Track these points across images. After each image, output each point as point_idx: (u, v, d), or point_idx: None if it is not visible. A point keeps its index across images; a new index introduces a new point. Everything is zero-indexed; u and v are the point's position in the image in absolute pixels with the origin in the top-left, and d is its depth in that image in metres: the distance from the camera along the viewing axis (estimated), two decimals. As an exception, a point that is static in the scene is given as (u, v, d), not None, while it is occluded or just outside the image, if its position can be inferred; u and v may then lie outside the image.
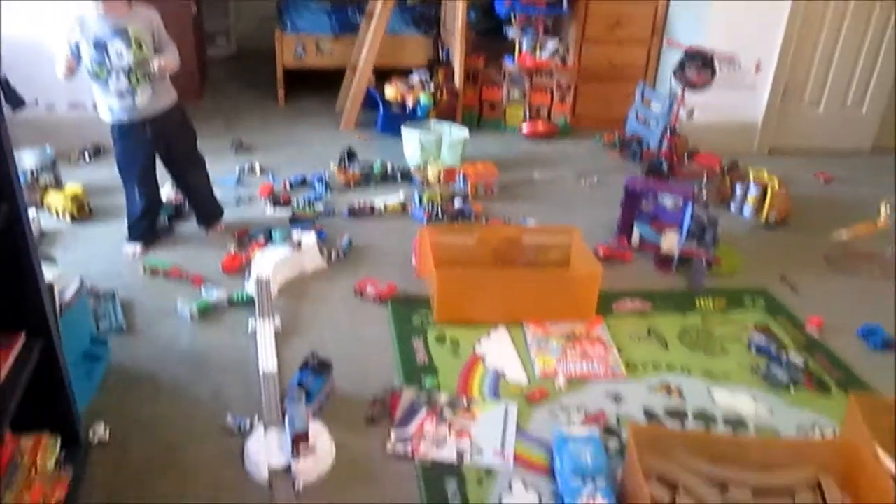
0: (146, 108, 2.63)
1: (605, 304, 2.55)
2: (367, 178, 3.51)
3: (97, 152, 3.70)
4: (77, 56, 2.52)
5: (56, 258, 2.65)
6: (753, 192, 3.43)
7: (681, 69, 3.60)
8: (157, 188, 2.84)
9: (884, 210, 3.10)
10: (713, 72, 3.57)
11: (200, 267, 2.70)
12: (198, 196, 2.96)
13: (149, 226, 2.86)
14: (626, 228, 3.05)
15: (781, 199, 3.37)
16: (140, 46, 2.53)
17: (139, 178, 2.77)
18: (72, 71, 2.53)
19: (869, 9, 4.09)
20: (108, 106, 2.62)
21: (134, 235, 2.84)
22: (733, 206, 3.50)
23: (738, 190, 3.49)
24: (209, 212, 2.98)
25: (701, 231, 2.93)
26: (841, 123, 4.40)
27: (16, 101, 3.56)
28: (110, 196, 3.23)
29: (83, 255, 2.79)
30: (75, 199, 3.06)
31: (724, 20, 3.95)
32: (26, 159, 3.15)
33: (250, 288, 2.52)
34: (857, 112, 4.39)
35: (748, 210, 3.45)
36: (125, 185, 2.80)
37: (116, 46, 2.50)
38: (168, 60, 2.60)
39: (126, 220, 2.85)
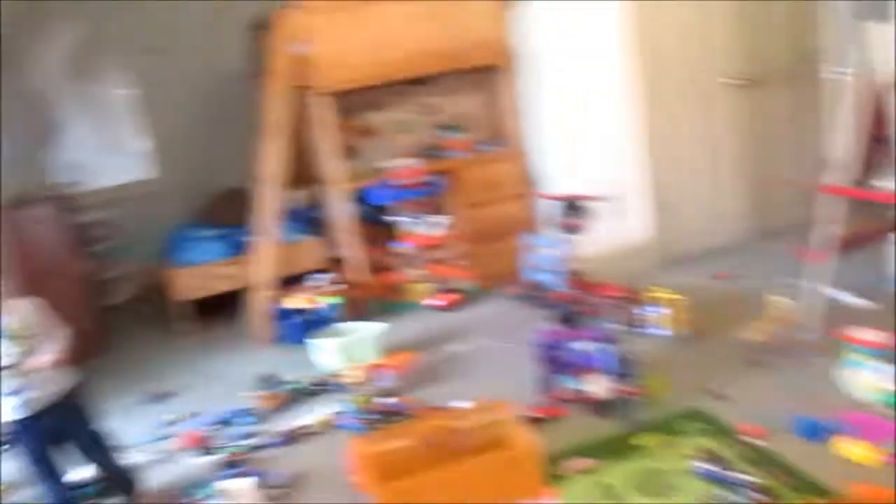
0: (43, 399, 2.59)
1: (553, 469, 2.55)
2: (293, 397, 3.47)
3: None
4: None
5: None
6: (659, 312, 3.58)
7: (560, 218, 3.83)
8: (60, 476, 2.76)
9: (776, 302, 3.28)
10: (589, 214, 3.81)
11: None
12: (107, 473, 2.85)
13: None
14: (551, 383, 3.10)
15: (687, 311, 3.52)
16: (23, 340, 2.54)
17: (55, 473, 2.69)
18: None
19: (702, 108, 4.50)
20: (6, 405, 2.57)
21: None
22: (643, 330, 3.63)
23: (645, 313, 3.63)
24: (122, 485, 2.85)
25: (623, 367, 3.01)
26: (717, 219, 4.70)
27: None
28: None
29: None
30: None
31: (582, 163, 4.28)
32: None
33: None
34: (730, 204, 4.71)
35: (660, 330, 3.58)
36: (43, 482, 2.70)
37: (3, 346, 2.51)
38: (43, 359, 2.57)
39: None
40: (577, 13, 4.13)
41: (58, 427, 2.66)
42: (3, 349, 2.51)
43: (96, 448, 2.80)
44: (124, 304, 5.62)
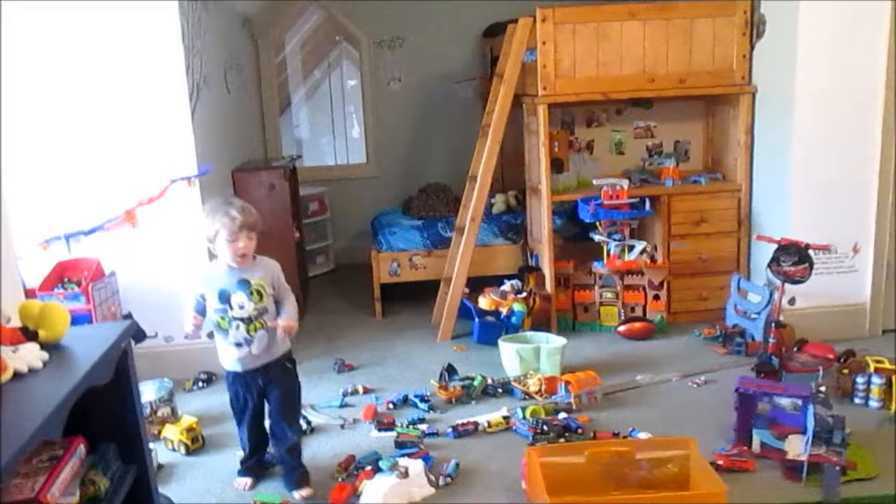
0: (260, 358, 2.69)
1: (735, 525, 2.37)
2: (468, 393, 3.50)
3: (209, 380, 3.87)
4: (202, 309, 2.64)
5: (172, 498, 2.69)
6: (877, 383, 3.23)
7: (776, 263, 3.57)
8: (264, 432, 2.88)
9: None
10: (811, 264, 3.52)
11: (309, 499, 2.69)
12: (285, 462, 2.82)
13: (257, 462, 2.90)
14: (743, 434, 2.89)
15: (908, 389, 3.15)
16: (260, 297, 2.61)
17: (248, 424, 2.83)
18: (198, 327, 2.63)
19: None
20: (226, 354, 2.70)
21: (244, 470, 2.88)
22: (856, 400, 3.29)
23: (860, 381, 3.29)
24: (294, 478, 2.79)
25: (828, 433, 2.74)
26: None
27: (139, 335, 3.86)
28: (223, 425, 3.34)
29: (197, 489, 2.84)
30: (190, 431, 3.16)
31: (810, 207, 3.95)
32: (146, 392, 3.30)
33: (360, 522, 2.48)
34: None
35: (874, 403, 3.24)
36: (237, 425, 2.88)
37: (238, 298, 2.58)
38: (288, 321, 2.65)
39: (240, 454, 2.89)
40: (838, 55, 3.82)
41: (264, 387, 2.74)
42: (245, 300, 2.58)
43: (289, 428, 2.79)
44: (323, 276, 5.99)
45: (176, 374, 3.65)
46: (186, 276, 3.84)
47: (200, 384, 3.84)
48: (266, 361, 2.70)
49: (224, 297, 2.58)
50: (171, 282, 3.84)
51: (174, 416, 3.34)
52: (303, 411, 3.38)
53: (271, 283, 2.67)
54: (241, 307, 2.58)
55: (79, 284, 3.50)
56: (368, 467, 2.81)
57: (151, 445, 2.85)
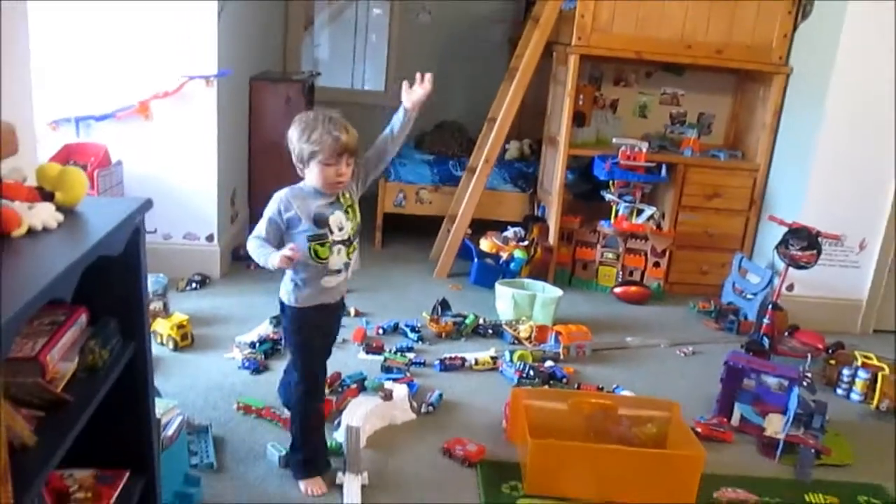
0: (346, 285, 2.36)
1: (705, 491, 2.40)
2: (459, 330, 3.52)
3: (203, 282, 3.87)
4: (279, 239, 2.17)
5: (159, 390, 2.71)
6: (862, 377, 3.26)
7: (784, 246, 3.56)
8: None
9: None
10: (818, 251, 3.51)
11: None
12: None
13: (324, 447, 2.40)
14: (725, 406, 2.93)
15: (894, 387, 3.18)
16: (355, 214, 2.27)
17: (319, 377, 2.37)
18: (294, 259, 2.07)
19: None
20: (313, 288, 2.22)
21: (309, 465, 2.33)
22: (839, 391, 3.33)
23: (846, 373, 3.33)
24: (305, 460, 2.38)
25: (808, 416, 2.77)
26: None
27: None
28: (212, 327, 3.37)
29: (182, 385, 2.86)
30: (181, 328, 3.17)
31: (826, 196, 3.93)
32: (140, 287, 3.31)
33: (339, 436, 2.50)
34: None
35: (856, 395, 3.27)
36: (302, 395, 2.30)
37: (337, 219, 2.19)
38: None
39: (295, 451, 2.35)
40: (879, 49, 3.74)
41: (324, 331, 2.37)
42: (343, 220, 2.20)
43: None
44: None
45: (171, 272, 3.64)
46: (195, 175, 3.85)
47: (194, 285, 3.84)
48: (331, 303, 2.31)
49: (322, 221, 2.16)
50: (177, 179, 3.82)
51: (166, 312, 3.35)
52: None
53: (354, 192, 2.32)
54: (341, 229, 2.20)
55: (84, 169, 3.46)
56: (354, 386, 2.84)
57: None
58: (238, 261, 4.24)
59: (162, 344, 3.15)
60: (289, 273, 2.22)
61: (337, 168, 2.13)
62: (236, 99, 4.31)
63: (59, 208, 1.41)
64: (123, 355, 1.58)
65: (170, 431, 2.08)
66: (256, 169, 4.69)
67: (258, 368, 3.02)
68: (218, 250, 4.01)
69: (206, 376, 2.95)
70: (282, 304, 2.30)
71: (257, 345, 3.16)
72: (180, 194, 3.84)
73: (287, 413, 2.56)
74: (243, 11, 4.27)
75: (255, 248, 2.14)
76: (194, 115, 3.78)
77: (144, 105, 3.73)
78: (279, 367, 3.04)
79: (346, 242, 2.23)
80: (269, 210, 2.18)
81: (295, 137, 2.15)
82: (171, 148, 3.80)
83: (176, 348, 3.13)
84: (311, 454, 2.33)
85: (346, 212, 2.22)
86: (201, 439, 2.46)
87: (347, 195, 2.25)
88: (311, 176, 2.16)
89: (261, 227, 2.17)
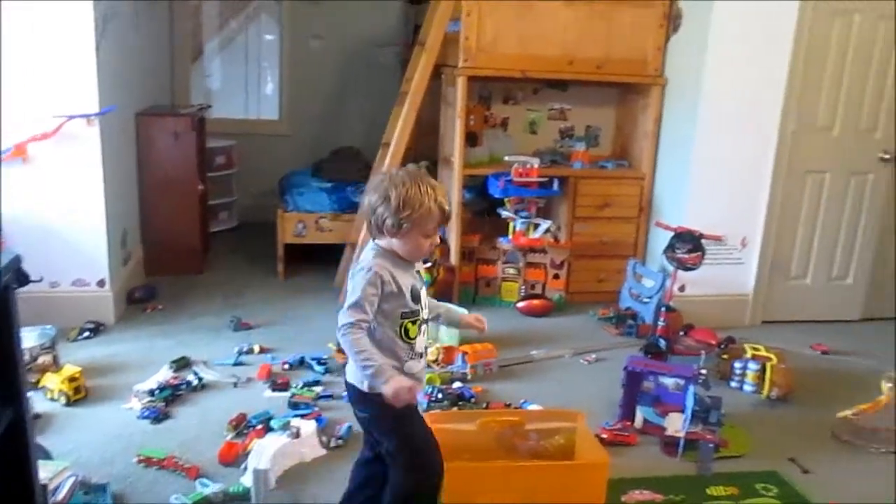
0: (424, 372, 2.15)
1: (614, 495, 2.48)
2: (367, 358, 3.50)
3: (96, 330, 3.71)
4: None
5: (49, 450, 2.58)
6: (753, 368, 3.44)
7: (671, 249, 3.73)
8: None
9: (885, 386, 3.11)
10: (703, 252, 3.69)
11: (196, 456, 2.63)
12: None
13: None
14: (628, 410, 3.03)
15: (782, 375, 3.36)
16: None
17: (437, 466, 2.08)
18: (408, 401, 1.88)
19: (845, 183, 4.32)
20: (404, 375, 1.95)
21: None
22: (733, 383, 3.49)
23: (737, 366, 3.50)
24: None
25: (705, 412, 2.90)
26: (829, 294, 4.50)
27: (22, 278, 3.64)
28: (107, 377, 3.23)
29: (76, 441, 2.72)
30: (73, 380, 3.02)
31: (707, 199, 4.14)
32: (27, 339, 3.14)
33: (247, 481, 2.44)
34: (844, 283, 4.51)
35: (749, 386, 3.44)
36: (413, 487, 2.05)
37: (425, 295, 2.02)
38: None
39: None
40: (744, 56, 3.98)
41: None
42: (425, 296, 2.03)
43: None
44: (225, 232, 5.84)
45: (61, 322, 3.48)
46: (81, 218, 3.69)
47: (87, 334, 3.67)
48: None
49: (416, 297, 1.97)
50: (62, 224, 3.66)
51: (56, 365, 3.19)
52: (194, 367, 3.32)
53: None
54: (426, 306, 2.04)
55: (-44, 220, 3.27)
56: (260, 426, 2.78)
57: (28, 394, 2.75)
58: (133, 304, 4.10)
59: (53, 400, 2.99)
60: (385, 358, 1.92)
61: (433, 239, 1.97)
62: (122, 136, 4.17)
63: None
64: (0, 423, 1.50)
65: (60, 496, 1.98)
66: (148, 207, 4.56)
67: (159, 416, 2.91)
68: (111, 295, 3.85)
69: (102, 430, 2.81)
70: (361, 393, 2.01)
71: (157, 392, 3.05)
72: (67, 239, 3.68)
73: (192, 461, 2.47)
74: (125, 44, 4.14)
75: (364, 346, 1.86)
76: (77, 155, 3.63)
77: (21, 148, 3.55)
78: (181, 413, 2.96)
79: (427, 322, 2.05)
80: (369, 282, 1.88)
81: (392, 205, 1.87)
82: (54, 191, 3.64)
83: (68, 403, 2.98)
84: None
85: (424, 285, 2.06)
86: (99, 499, 2.34)
87: (418, 265, 2.06)
88: (401, 244, 1.93)
89: (362, 308, 1.87)
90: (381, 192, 1.90)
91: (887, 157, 4.30)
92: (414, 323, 1.97)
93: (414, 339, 1.98)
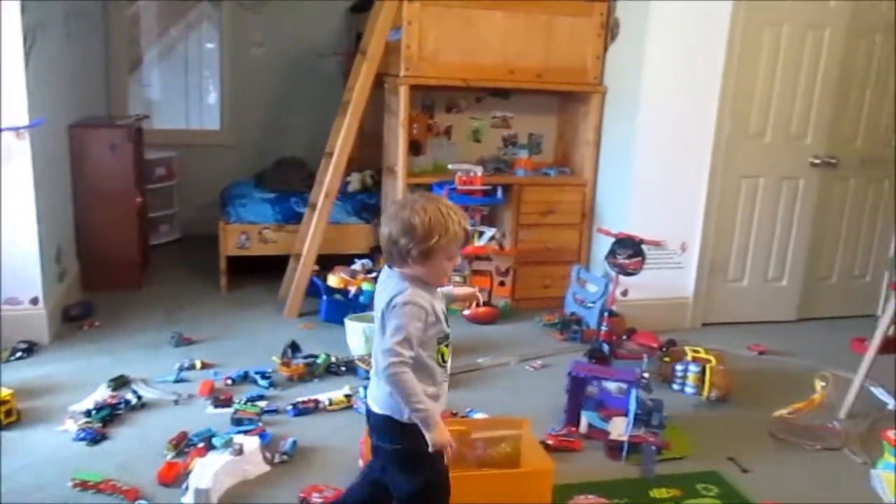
0: None
1: (560, 501, 2.49)
2: (311, 371, 3.46)
3: (30, 350, 3.59)
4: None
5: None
6: (693, 371, 3.51)
7: (612, 255, 3.79)
8: None
9: (818, 385, 3.21)
10: (643, 257, 3.76)
11: (134, 477, 2.55)
12: None
13: None
14: (573, 416, 3.06)
15: (721, 376, 3.44)
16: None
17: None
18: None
19: (777, 188, 4.46)
20: (431, 400, 1.93)
21: None
22: (675, 386, 3.56)
23: (678, 368, 3.57)
24: None
25: (647, 415, 2.96)
26: (766, 296, 4.63)
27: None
28: (41, 398, 3.12)
29: (7, 467, 2.61)
30: (4, 403, 2.90)
31: (647, 205, 4.22)
32: (-48, 362, 3.02)
33: (188, 500, 2.39)
34: (779, 284, 4.64)
35: (690, 388, 3.51)
36: None
37: (449, 320, 2.02)
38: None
39: None
40: (680, 64, 4.08)
41: None
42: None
43: None
44: (167, 245, 5.72)
45: (-9, 342, 3.36)
46: (12, 235, 3.56)
47: (20, 354, 3.54)
48: None
49: (447, 318, 1.99)
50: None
51: (-14, 388, 3.07)
52: (133, 385, 3.24)
53: None
54: (451, 329, 2.03)
55: None
56: (201, 444, 2.71)
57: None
58: (69, 322, 3.98)
59: (-17, 424, 2.88)
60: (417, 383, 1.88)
61: (456, 261, 1.95)
62: (55, 148, 4.05)
63: None
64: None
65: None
66: (84, 221, 4.43)
67: (96, 438, 2.81)
68: (44, 313, 3.72)
69: (35, 454, 2.71)
70: (395, 424, 1.95)
71: (94, 412, 2.95)
72: (-7, 257, 3.56)
73: (130, 483, 2.41)
74: (57, 55, 4.03)
75: (415, 388, 1.84)
76: (6, 170, 3.51)
77: (-56, 163, 3.43)
78: (120, 433, 2.88)
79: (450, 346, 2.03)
80: (416, 317, 1.86)
81: (419, 233, 1.84)
82: (-20, 208, 3.51)
83: (0, 427, 2.87)
84: None
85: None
86: (32, 526, 2.26)
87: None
88: (425, 270, 1.89)
89: (410, 345, 1.84)
90: (402, 222, 1.86)
91: (817, 161, 4.45)
92: (447, 346, 1.98)
93: (447, 362, 2.00)
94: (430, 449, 1.88)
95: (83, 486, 2.50)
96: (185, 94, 6.37)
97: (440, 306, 1.95)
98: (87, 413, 2.95)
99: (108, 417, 2.95)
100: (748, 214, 4.47)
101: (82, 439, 2.81)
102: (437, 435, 1.86)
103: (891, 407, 3.44)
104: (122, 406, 3.04)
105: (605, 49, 4.44)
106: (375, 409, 2.00)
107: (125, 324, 4.04)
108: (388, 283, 1.94)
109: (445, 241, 1.86)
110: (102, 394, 3.13)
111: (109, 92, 5.78)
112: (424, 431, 1.86)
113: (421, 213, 1.85)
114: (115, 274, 4.50)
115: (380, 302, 1.94)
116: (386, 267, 1.99)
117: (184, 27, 6.24)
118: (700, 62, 4.10)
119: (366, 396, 3.13)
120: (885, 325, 3.25)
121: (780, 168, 4.44)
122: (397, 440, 1.97)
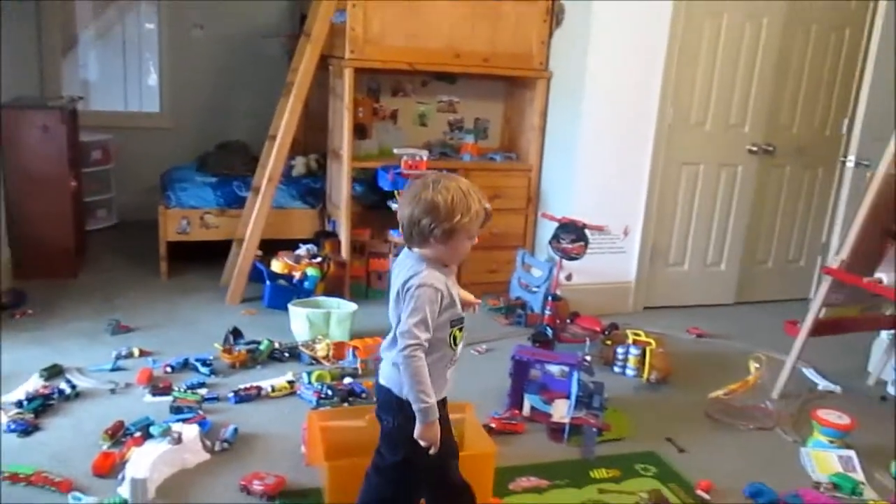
0: None
1: (502, 484, 2.52)
2: (254, 358, 3.42)
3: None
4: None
5: None
6: (634, 353, 3.58)
7: (556, 240, 3.83)
8: None
9: (752, 367, 3.30)
10: (586, 242, 3.81)
11: (69, 469, 2.48)
12: None
13: None
14: (516, 399, 3.08)
15: (661, 359, 3.52)
16: None
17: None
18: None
19: (717, 174, 4.55)
20: (435, 382, 1.92)
21: None
22: (616, 368, 3.62)
23: (619, 351, 3.63)
24: None
25: (588, 398, 3.00)
26: (705, 280, 4.74)
27: None
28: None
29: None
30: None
31: (590, 190, 4.27)
32: None
33: (124, 491, 2.33)
34: (718, 269, 4.76)
35: (631, 371, 3.58)
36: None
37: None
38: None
39: None
40: (624, 50, 4.14)
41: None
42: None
43: None
44: (104, 231, 5.56)
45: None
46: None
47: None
48: None
49: (461, 301, 1.98)
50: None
51: None
52: (67, 375, 3.15)
53: None
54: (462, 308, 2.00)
55: None
56: (138, 433, 2.65)
57: None
58: (0, 311, 3.83)
59: None
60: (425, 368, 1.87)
61: (474, 240, 1.93)
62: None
63: None
64: None
65: None
66: (15, 206, 4.27)
67: (27, 429, 2.72)
68: (-27, 302, 3.59)
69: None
70: (390, 394, 1.96)
71: (25, 403, 2.86)
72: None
73: (64, 474, 2.34)
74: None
75: (425, 378, 1.85)
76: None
77: None
78: (52, 425, 2.79)
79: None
80: (431, 299, 1.85)
81: (442, 213, 1.81)
82: None
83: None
84: None
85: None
86: (-43, 521, 2.19)
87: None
88: (446, 250, 1.88)
89: (427, 327, 1.84)
90: (424, 202, 1.83)
91: (755, 149, 4.56)
92: (461, 330, 1.98)
93: (458, 344, 1.99)
94: (414, 435, 1.88)
95: (13, 479, 2.43)
96: (124, 75, 6.17)
97: (455, 289, 1.95)
98: (19, 404, 2.86)
99: (40, 408, 2.87)
100: (689, 200, 4.56)
101: (13, 431, 2.72)
102: (428, 431, 1.87)
103: (821, 387, 3.58)
104: (55, 396, 2.95)
105: (551, 35, 4.46)
106: (381, 381, 2.02)
107: (60, 312, 3.92)
108: (406, 264, 1.93)
109: (468, 220, 1.84)
110: (34, 384, 3.03)
111: (42, 73, 5.56)
112: (418, 422, 1.87)
113: (444, 193, 1.83)
114: (50, 261, 4.35)
115: (396, 282, 1.94)
116: (405, 248, 1.98)
117: (121, 7, 6.03)
118: (643, 51, 4.16)
119: (309, 381, 3.14)
120: (816, 308, 3.35)
121: (719, 155, 4.54)
122: (391, 414, 1.98)
